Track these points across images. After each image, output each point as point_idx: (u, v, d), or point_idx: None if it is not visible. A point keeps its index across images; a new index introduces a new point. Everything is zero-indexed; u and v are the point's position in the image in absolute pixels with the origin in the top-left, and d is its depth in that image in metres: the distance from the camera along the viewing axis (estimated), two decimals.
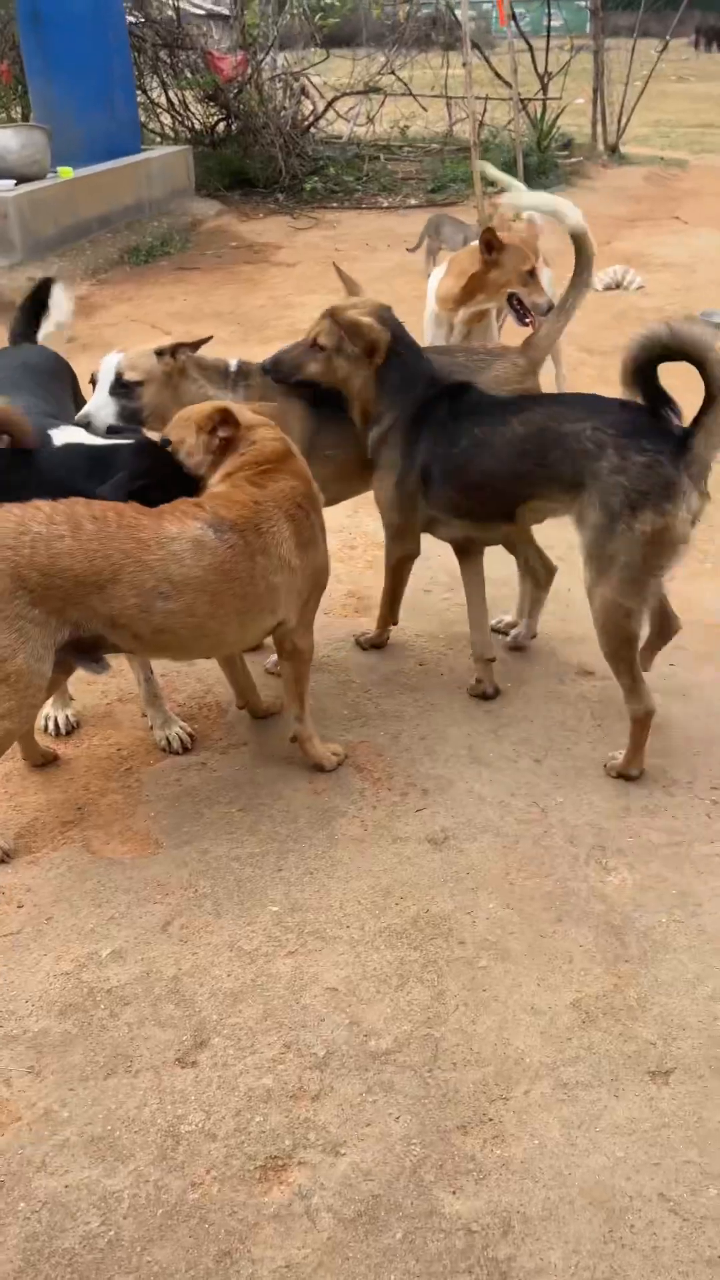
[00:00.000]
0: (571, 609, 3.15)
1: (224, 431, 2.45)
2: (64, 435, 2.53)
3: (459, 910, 2.20)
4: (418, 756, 2.70)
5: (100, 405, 2.76)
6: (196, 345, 2.84)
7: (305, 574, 2.44)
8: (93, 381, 2.81)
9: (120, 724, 2.92)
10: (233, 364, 2.90)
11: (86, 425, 2.70)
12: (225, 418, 2.45)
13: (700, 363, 2.25)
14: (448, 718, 2.84)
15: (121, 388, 2.76)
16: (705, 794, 2.53)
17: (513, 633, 3.19)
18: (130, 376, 2.76)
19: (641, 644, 2.56)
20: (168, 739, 2.78)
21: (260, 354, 2.91)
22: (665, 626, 2.78)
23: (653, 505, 2.32)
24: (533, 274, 3.83)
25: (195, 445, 2.48)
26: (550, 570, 3.09)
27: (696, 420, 2.32)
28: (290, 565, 2.38)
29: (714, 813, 2.47)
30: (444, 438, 2.64)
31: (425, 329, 4.03)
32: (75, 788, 2.66)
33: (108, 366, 2.78)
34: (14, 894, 2.32)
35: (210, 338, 2.86)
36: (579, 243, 2.93)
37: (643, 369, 2.35)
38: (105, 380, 2.77)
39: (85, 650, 2.31)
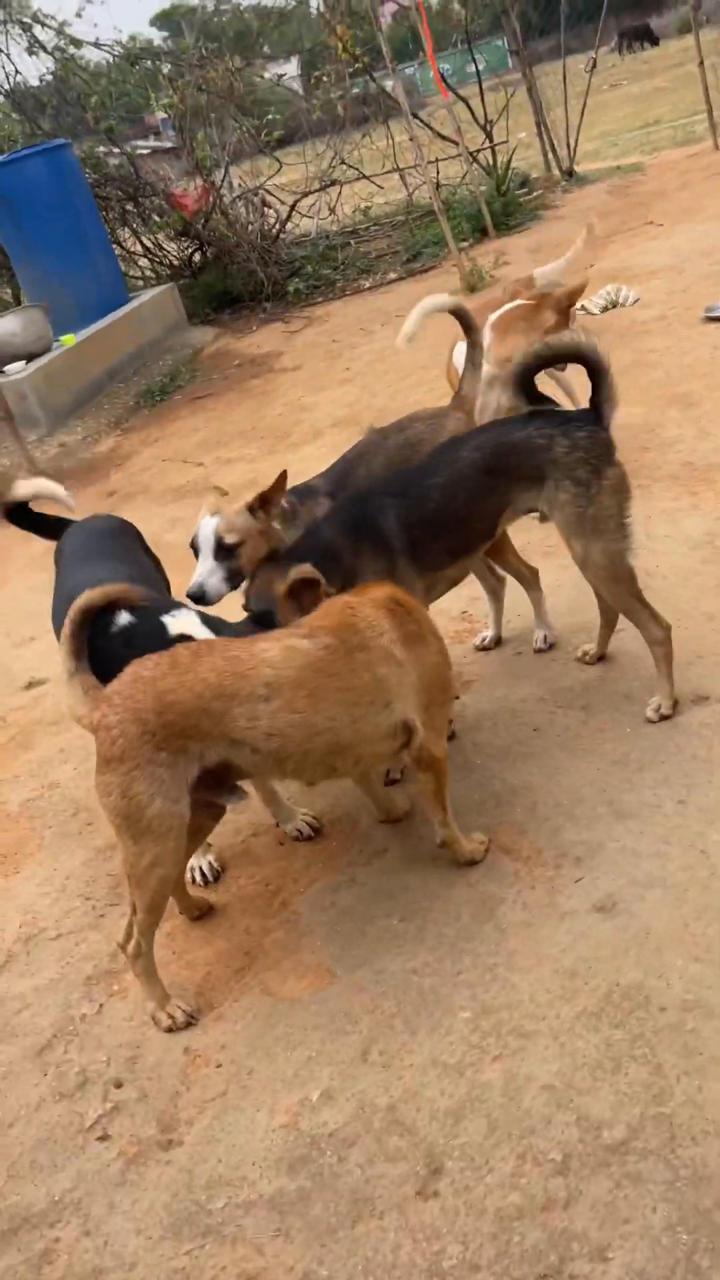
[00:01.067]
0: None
1: (308, 597, 2.56)
2: (178, 624, 2.59)
3: (649, 976, 2.17)
4: (560, 824, 2.69)
5: (209, 573, 2.84)
6: (279, 488, 2.88)
7: (418, 669, 2.46)
8: (194, 548, 2.87)
9: (260, 858, 2.96)
10: (287, 502, 2.99)
11: (200, 597, 2.80)
12: (306, 583, 2.56)
13: (579, 358, 2.85)
14: (578, 778, 2.83)
15: (223, 551, 2.83)
16: None
17: (485, 636, 3.61)
18: (230, 540, 2.83)
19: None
20: (297, 829, 2.95)
21: (288, 462, 3.01)
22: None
23: (608, 461, 2.87)
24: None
25: (286, 613, 2.57)
26: (533, 570, 3.49)
27: (594, 397, 2.89)
28: (395, 658, 2.40)
29: None
30: (413, 507, 2.86)
31: (482, 395, 4.06)
32: (237, 933, 2.70)
33: (206, 533, 2.84)
34: (210, 1054, 2.35)
35: (285, 474, 2.89)
36: (460, 319, 3.41)
37: (526, 379, 2.95)
38: (207, 548, 2.84)
39: (217, 784, 2.39)
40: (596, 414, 2.90)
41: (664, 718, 2.93)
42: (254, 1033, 2.37)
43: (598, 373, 2.86)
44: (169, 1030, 2.45)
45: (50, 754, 3.87)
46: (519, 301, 4.42)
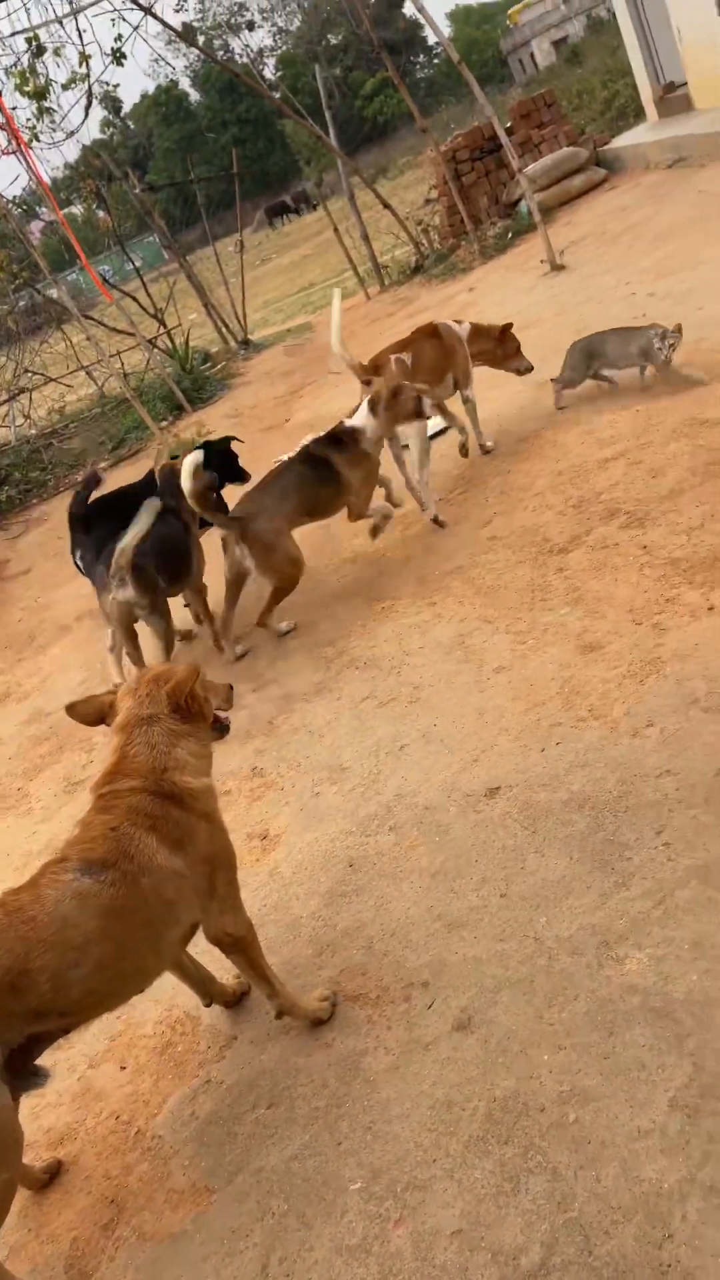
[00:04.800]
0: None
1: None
2: None
3: (522, 1080, 2.15)
4: (400, 954, 2.66)
5: None
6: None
7: (196, 867, 2.35)
8: None
9: (103, 1091, 2.72)
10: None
11: None
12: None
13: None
14: (404, 901, 2.83)
15: None
16: None
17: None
18: None
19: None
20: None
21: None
22: None
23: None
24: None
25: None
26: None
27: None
28: (175, 870, 2.29)
29: None
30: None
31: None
32: (96, 1183, 2.45)
33: None
34: None
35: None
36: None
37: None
38: None
39: (21, 1066, 2.15)
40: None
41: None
42: None
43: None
44: None
45: None
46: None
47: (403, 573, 4.86)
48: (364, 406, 4.93)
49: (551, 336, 6.71)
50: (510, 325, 5.74)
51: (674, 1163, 1.84)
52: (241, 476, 5.46)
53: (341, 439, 4.92)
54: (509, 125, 12.08)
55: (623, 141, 12.06)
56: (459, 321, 5.77)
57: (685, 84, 11.36)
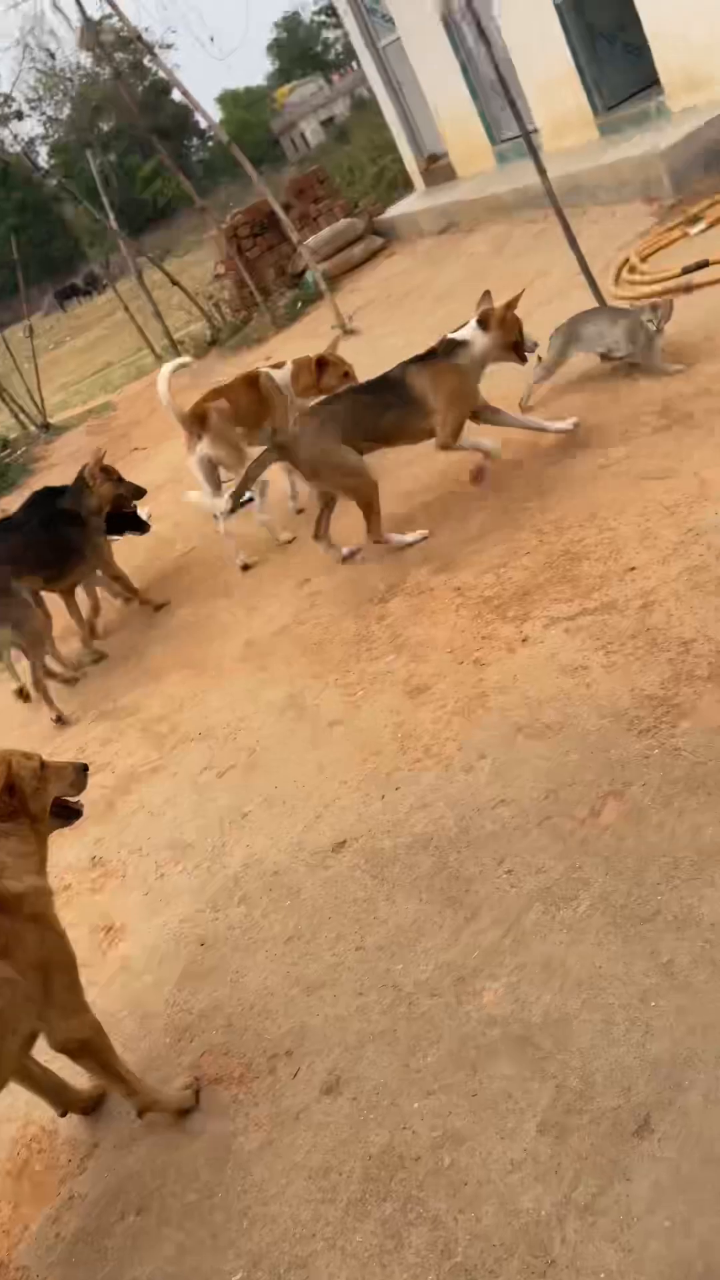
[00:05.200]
0: None
1: None
2: None
3: (395, 1132, 2.12)
4: (260, 1026, 2.59)
5: None
6: None
7: (28, 974, 2.21)
8: None
9: None
10: None
11: None
12: None
13: None
14: (260, 972, 2.76)
15: None
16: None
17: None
18: None
19: None
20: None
21: None
22: None
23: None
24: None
25: None
26: None
27: None
28: (4, 978, 2.14)
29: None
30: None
31: None
32: None
33: None
34: None
35: None
36: None
37: None
38: None
39: None
40: None
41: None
42: None
43: None
44: None
45: None
46: None
47: (228, 638, 4.84)
48: (473, 323, 4.58)
49: None
50: (324, 357, 5.73)
51: (548, 1188, 1.85)
52: (141, 528, 6.10)
53: (434, 352, 4.58)
54: (285, 201, 12.50)
55: (395, 211, 12.68)
56: (279, 366, 5.76)
57: (447, 155, 12.09)
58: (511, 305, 4.61)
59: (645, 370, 4.89)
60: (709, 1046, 1.90)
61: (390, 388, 4.57)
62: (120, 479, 5.68)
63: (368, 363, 8.07)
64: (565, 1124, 1.93)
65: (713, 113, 7.23)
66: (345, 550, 4.88)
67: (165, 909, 3.21)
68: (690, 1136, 1.79)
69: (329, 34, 57.39)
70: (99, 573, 5.66)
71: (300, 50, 62.69)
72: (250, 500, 5.41)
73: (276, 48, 65.65)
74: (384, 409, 4.54)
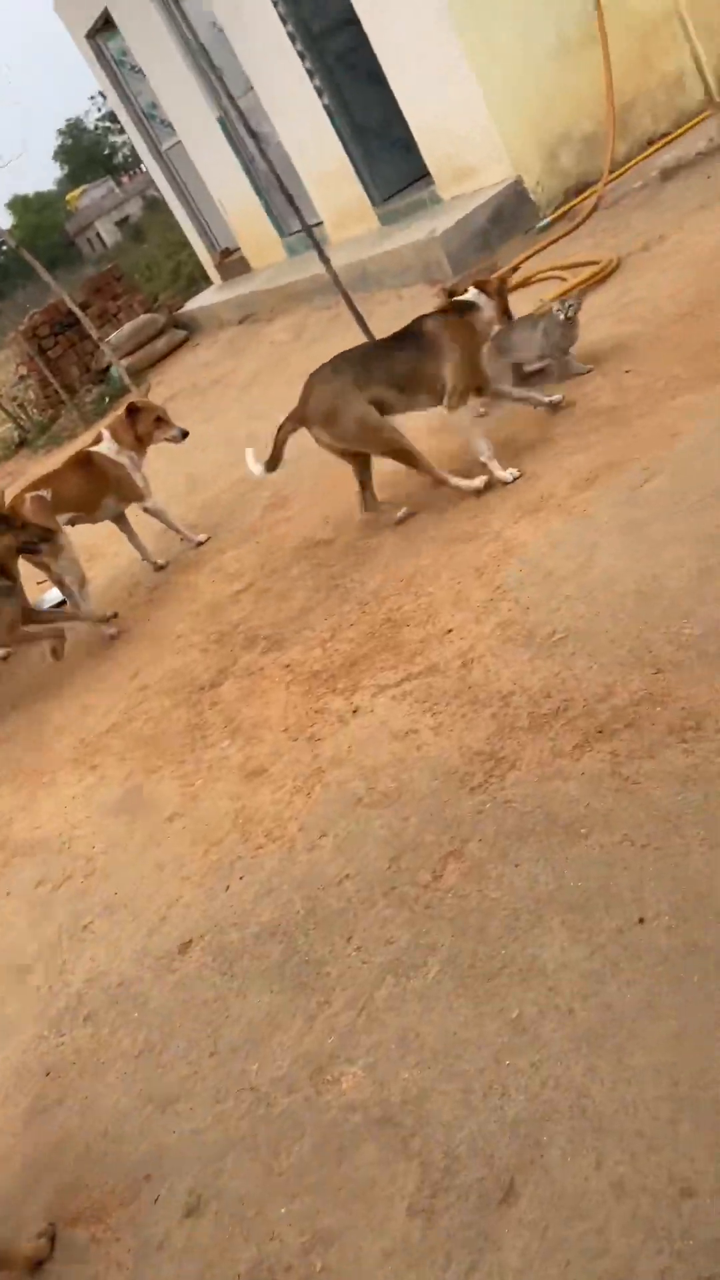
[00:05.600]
0: None
1: None
2: None
3: (263, 1244, 2.01)
4: (115, 1153, 2.42)
5: None
6: None
7: None
8: None
9: None
10: None
11: None
12: None
13: None
14: (112, 1095, 2.60)
15: None
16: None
17: None
18: None
19: None
20: None
21: None
22: None
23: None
24: None
25: None
26: None
27: None
28: None
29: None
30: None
31: None
32: None
33: None
34: None
35: None
36: None
37: None
38: None
39: None
40: None
41: None
42: None
43: None
44: None
45: None
46: None
47: (60, 740, 4.66)
48: (473, 289, 4.57)
49: (167, 484, 6.91)
50: (133, 404, 5.71)
51: (422, 1275, 1.79)
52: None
53: (453, 307, 4.52)
54: (83, 300, 12.55)
55: (195, 304, 12.91)
56: (98, 441, 5.69)
57: (239, 249, 12.44)
58: (505, 278, 4.77)
59: (560, 374, 4.89)
60: (562, 1097, 1.91)
61: (407, 336, 4.51)
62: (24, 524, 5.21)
63: (181, 454, 8.13)
64: (433, 1205, 1.88)
65: (481, 199, 7.74)
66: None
67: (5, 1042, 3.00)
68: (554, 1195, 1.77)
69: (115, 138, 58.65)
70: None
71: (88, 155, 63.76)
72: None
73: (63, 153, 66.56)
74: (401, 355, 4.46)
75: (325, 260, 5.72)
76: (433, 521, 4.45)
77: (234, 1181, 2.17)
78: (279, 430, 4.64)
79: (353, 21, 8.29)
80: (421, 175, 8.94)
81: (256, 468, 4.70)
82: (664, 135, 7.56)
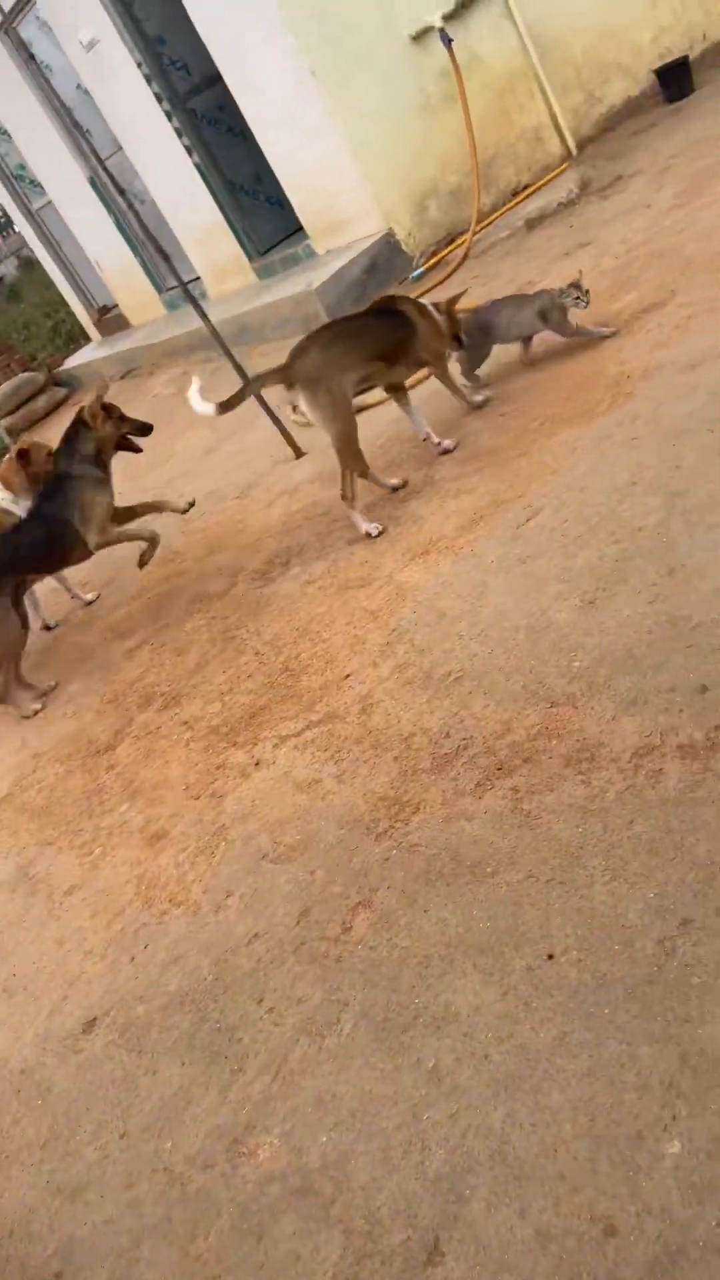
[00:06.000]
0: None
1: None
2: None
3: None
4: (23, 1254, 2.28)
5: None
6: None
7: None
8: None
9: None
10: None
11: None
12: None
13: None
14: (17, 1190, 2.45)
15: None
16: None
17: None
18: None
19: None
20: None
21: None
22: None
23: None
24: None
25: None
26: None
27: None
28: None
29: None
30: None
31: None
32: None
33: None
34: None
35: None
36: None
37: None
38: None
39: None
40: None
41: None
42: None
43: None
44: None
45: None
46: None
47: None
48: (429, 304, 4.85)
49: None
50: (22, 448, 5.47)
51: None
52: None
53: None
54: None
55: (76, 361, 12.80)
56: None
57: (117, 305, 12.41)
58: (453, 303, 4.92)
59: (577, 338, 4.93)
60: (483, 1146, 1.87)
61: (388, 312, 4.70)
62: (123, 416, 5.25)
63: None
64: (358, 1273, 1.81)
65: (354, 251, 7.90)
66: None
67: None
68: (479, 1250, 1.73)
69: None
70: None
71: None
72: None
73: None
74: (387, 327, 4.64)
75: (203, 316, 5.72)
76: (326, 568, 4.45)
77: (150, 1271, 2.06)
78: (253, 381, 4.61)
79: (218, 79, 8.42)
80: (296, 229, 9.09)
81: (204, 405, 4.61)
82: (526, 187, 7.87)
